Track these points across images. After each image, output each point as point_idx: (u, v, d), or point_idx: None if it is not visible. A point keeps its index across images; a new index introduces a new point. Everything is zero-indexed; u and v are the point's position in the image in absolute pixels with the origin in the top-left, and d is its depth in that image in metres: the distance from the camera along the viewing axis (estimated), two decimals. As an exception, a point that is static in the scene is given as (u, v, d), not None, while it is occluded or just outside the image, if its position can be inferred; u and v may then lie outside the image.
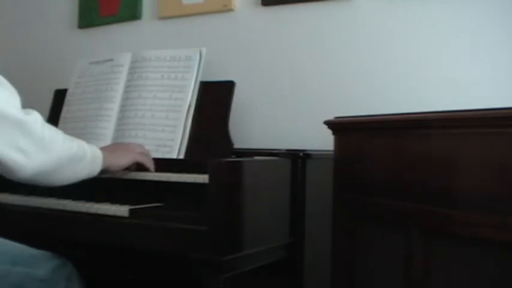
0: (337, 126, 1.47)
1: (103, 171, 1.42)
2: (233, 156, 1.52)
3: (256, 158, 1.43)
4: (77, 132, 1.79)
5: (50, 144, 1.24)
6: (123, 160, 1.47)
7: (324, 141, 1.53)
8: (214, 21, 2.06)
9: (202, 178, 1.33)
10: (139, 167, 1.51)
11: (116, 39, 2.30)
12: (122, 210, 1.36)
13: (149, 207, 1.39)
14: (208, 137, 1.59)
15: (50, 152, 1.24)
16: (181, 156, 1.60)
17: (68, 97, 1.91)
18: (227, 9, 2.02)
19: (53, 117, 1.92)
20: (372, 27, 1.77)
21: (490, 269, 1.05)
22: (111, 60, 1.85)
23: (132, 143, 1.61)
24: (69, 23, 2.45)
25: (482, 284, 1.07)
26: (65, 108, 1.90)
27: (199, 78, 1.68)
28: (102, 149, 1.45)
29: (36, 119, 1.23)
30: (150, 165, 1.52)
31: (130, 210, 1.36)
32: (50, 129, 1.27)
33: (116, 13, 2.30)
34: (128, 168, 1.50)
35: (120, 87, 1.78)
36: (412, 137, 1.22)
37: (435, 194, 1.14)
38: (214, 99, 1.63)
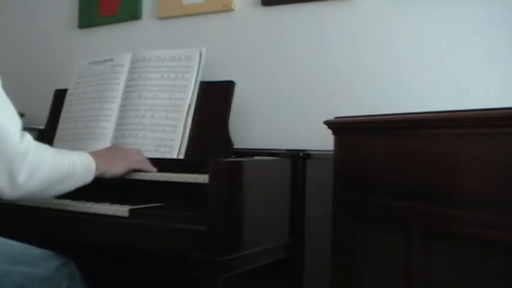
0: (337, 126, 1.47)
1: (97, 177, 1.41)
2: (233, 156, 1.52)
3: (256, 158, 1.43)
4: (77, 132, 1.79)
5: (37, 171, 1.23)
6: (117, 169, 1.46)
7: (324, 141, 1.53)
8: (214, 21, 2.06)
9: (202, 178, 1.33)
10: (139, 169, 1.51)
11: (116, 39, 2.30)
12: (121, 210, 1.36)
13: (149, 207, 1.39)
14: (208, 137, 1.59)
15: (37, 180, 1.24)
16: (181, 156, 1.60)
17: (68, 97, 1.91)
18: (227, 9, 2.02)
19: (53, 117, 1.92)
20: (372, 27, 1.77)
21: (490, 269, 1.05)
22: (111, 60, 1.85)
23: (131, 149, 1.60)
24: (69, 23, 2.45)
25: (482, 284, 1.07)
26: (65, 108, 1.90)
27: (199, 78, 1.68)
28: (98, 155, 1.43)
29: (28, 147, 1.22)
30: (150, 168, 1.51)
31: (130, 210, 1.36)
32: (39, 153, 1.26)
33: (116, 13, 2.30)
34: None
35: (120, 87, 1.78)
36: (412, 137, 1.22)
37: (435, 194, 1.14)
38: (214, 99, 1.63)
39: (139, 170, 1.51)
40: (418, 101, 1.64)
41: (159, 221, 1.31)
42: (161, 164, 1.54)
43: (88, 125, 1.78)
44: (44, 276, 1.36)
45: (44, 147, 1.30)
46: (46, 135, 1.86)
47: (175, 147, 1.61)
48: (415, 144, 1.21)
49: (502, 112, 1.03)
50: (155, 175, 1.48)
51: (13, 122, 1.22)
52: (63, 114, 1.89)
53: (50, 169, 1.27)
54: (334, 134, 1.47)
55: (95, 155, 1.42)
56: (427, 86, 1.66)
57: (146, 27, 2.23)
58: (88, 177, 1.38)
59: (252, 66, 1.97)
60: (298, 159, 1.46)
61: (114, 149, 1.60)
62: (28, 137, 1.24)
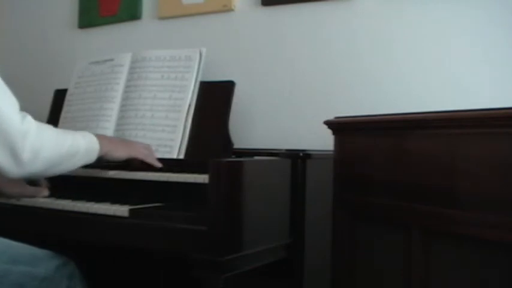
0: (337, 126, 1.47)
1: (99, 158, 1.42)
2: (233, 156, 1.52)
3: (256, 158, 1.43)
4: (77, 132, 1.79)
5: (41, 152, 1.25)
6: (119, 152, 1.47)
7: (324, 141, 1.53)
8: (214, 21, 2.06)
9: (202, 178, 1.33)
10: (147, 166, 1.52)
11: (116, 39, 2.30)
12: (121, 210, 1.36)
13: (149, 207, 1.39)
14: (208, 137, 1.59)
15: (41, 160, 1.26)
16: (181, 156, 1.60)
17: (68, 97, 1.91)
18: (227, 9, 2.02)
19: (53, 117, 1.92)
20: (372, 27, 1.77)
21: (490, 269, 1.05)
22: (111, 60, 1.85)
23: (139, 142, 1.62)
24: (69, 23, 2.45)
25: (482, 284, 1.07)
26: (65, 108, 1.90)
27: (199, 78, 1.68)
28: (103, 137, 1.46)
29: (29, 128, 1.24)
30: (154, 162, 1.52)
31: (130, 210, 1.36)
32: (42, 134, 1.27)
33: (116, 13, 2.30)
34: (132, 164, 1.50)
35: (120, 87, 1.78)
36: (412, 137, 1.22)
37: (435, 194, 1.14)
38: (214, 99, 1.63)
39: (143, 162, 1.51)
40: (418, 101, 1.64)
41: (159, 221, 1.31)
42: (161, 163, 1.54)
43: (88, 125, 1.78)
44: (44, 276, 1.36)
45: (46, 128, 1.31)
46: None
47: (175, 147, 1.61)
48: (415, 144, 1.21)
49: (502, 112, 1.03)
50: (155, 175, 1.48)
51: (11, 105, 1.23)
52: (63, 114, 1.90)
53: (53, 149, 1.29)
54: (334, 134, 1.47)
55: (100, 136, 1.44)
56: (427, 86, 1.66)
57: (146, 27, 2.23)
58: (92, 157, 1.40)
59: (252, 66, 1.97)
60: (298, 159, 1.46)
61: (121, 138, 1.64)
62: (29, 119, 1.25)
